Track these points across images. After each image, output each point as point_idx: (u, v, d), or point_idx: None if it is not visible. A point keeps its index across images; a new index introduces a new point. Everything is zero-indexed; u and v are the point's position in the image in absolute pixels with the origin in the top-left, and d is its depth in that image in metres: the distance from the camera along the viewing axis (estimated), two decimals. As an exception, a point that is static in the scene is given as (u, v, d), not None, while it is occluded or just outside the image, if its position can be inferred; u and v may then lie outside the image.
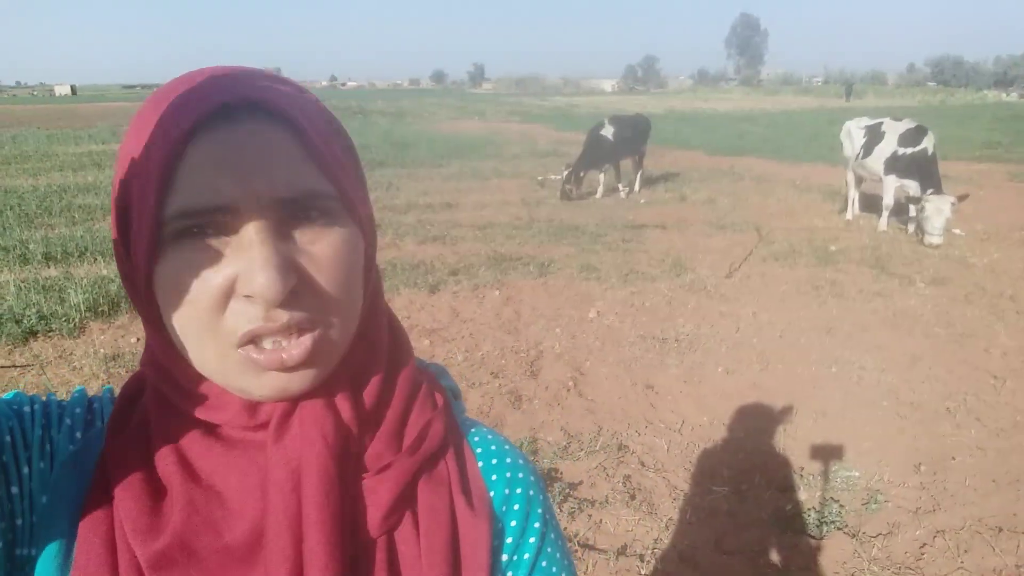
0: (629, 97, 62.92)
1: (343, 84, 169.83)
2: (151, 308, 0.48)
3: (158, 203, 0.44)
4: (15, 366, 4.02)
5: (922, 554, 2.63)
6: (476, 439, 0.61)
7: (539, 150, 16.11)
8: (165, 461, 0.49)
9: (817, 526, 2.75)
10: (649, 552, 2.61)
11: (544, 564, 0.57)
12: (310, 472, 0.47)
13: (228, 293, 0.45)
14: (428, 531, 0.51)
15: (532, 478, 0.60)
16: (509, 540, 0.56)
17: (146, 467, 0.49)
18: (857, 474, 3.13)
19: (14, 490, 0.47)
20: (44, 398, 0.53)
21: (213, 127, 0.44)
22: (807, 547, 2.65)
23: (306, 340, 0.47)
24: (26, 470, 0.48)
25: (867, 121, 8.52)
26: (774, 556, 2.61)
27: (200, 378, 0.49)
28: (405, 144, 17.06)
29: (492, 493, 0.57)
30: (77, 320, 4.59)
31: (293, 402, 0.50)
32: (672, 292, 5.65)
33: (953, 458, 3.26)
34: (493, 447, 0.60)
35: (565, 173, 9.88)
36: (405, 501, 0.52)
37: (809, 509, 2.86)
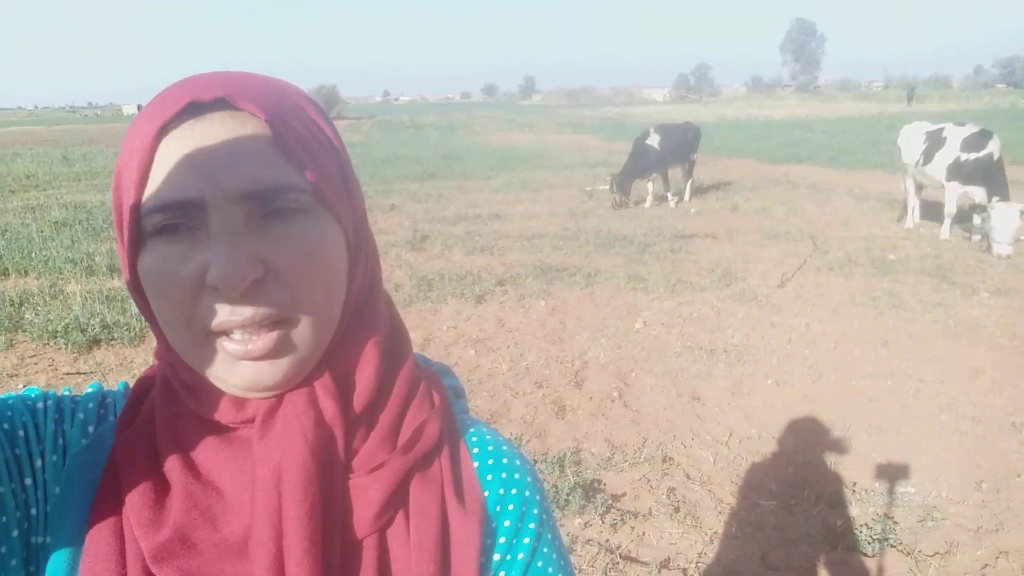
0: (681, 106, 62.30)
1: (396, 99, 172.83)
2: (145, 302, 0.50)
3: (136, 200, 0.47)
4: (79, 373, 4.21)
5: (983, 575, 2.52)
6: (474, 439, 0.61)
7: (589, 160, 16.09)
8: (168, 455, 0.51)
9: (869, 543, 2.66)
10: (692, 566, 2.56)
11: (539, 565, 0.57)
12: (290, 470, 0.48)
13: (199, 285, 0.46)
14: (418, 530, 0.52)
15: (529, 479, 0.60)
16: (502, 540, 0.56)
17: (151, 461, 0.51)
18: (913, 490, 3.02)
19: (28, 481, 0.50)
20: (59, 393, 0.55)
21: (181, 124, 0.47)
22: (858, 565, 2.57)
23: (273, 333, 0.47)
24: (39, 463, 0.51)
25: (927, 126, 8.24)
26: (823, 573, 2.53)
27: (195, 372, 0.51)
28: (455, 156, 17.27)
29: (487, 493, 0.57)
30: (138, 329, 4.79)
31: (279, 398, 0.51)
32: (721, 302, 5.55)
33: (1018, 475, 3.11)
34: (490, 447, 0.60)
35: (610, 182, 9.85)
36: (398, 500, 0.53)
37: (861, 526, 2.77)
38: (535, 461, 3.24)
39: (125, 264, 0.50)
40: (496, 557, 0.56)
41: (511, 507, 0.57)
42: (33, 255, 6.79)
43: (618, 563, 2.56)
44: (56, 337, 4.61)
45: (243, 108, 0.47)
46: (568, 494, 2.92)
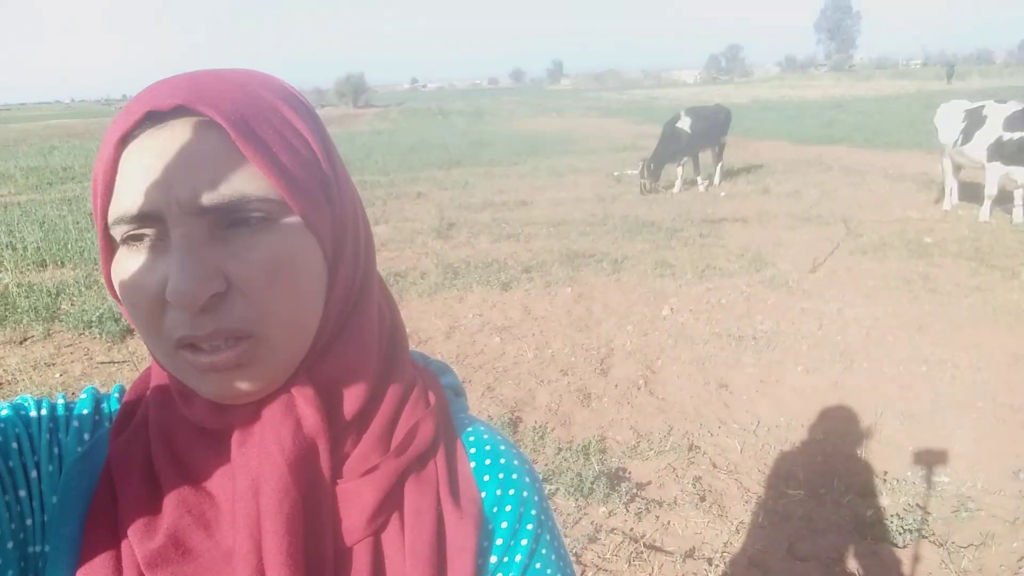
0: (712, 88, 61.28)
1: (424, 86, 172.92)
2: None
3: (103, 211, 0.46)
4: (113, 362, 4.31)
5: (1020, 567, 2.45)
6: (471, 439, 0.60)
7: (617, 145, 15.93)
8: (161, 461, 0.51)
9: (901, 534, 2.60)
10: (718, 556, 2.54)
11: (538, 566, 0.55)
12: (267, 482, 0.47)
13: (162, 296, 0.45)
14: (413, 533, 0.51)
15: (527, 479, 0.58)
16: (499, 542, 0.55)
17: (145, 467, 0.51)
18: (947, 480, 2.95)
19: (22, 493, 0.49)
20: (54, 400, 0.55)
21: (141, 134, 0.46)
22: (889, 555, 2.52)
23: (238, 347, 0.46)
24: (34, 474, 0.50)
25: (966, 104, 7.98)
26: (851, 564, 2.49)
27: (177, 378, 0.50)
28: (482, 143, 17.23)
29: (484, 494, 0.56)
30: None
31: (256, 408, 0.50)
32: (751, 288, 5.47)
33: (1058, 465, 3.02)
34: (488, 447, 0.59)
35: (641, 168, 9.73)
36: (391, 503, 0.52)
37: (892, 516, 2.71)
38: (559, 450, 3.23)
39: (104, 272, 0.50)
40: (493, 559, 0.55)
41: (508, 508, 0.56)
42: (70, 246, 6.95)
43: (642, 552, 2.55)
44: (92, 327, 4.72)
45: (204, 114, 0.46)
46: (592, 482, 2.91)
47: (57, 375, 4.15)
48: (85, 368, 4.21)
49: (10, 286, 5.68)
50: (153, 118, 0.46)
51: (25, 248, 6.91)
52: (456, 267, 6.18)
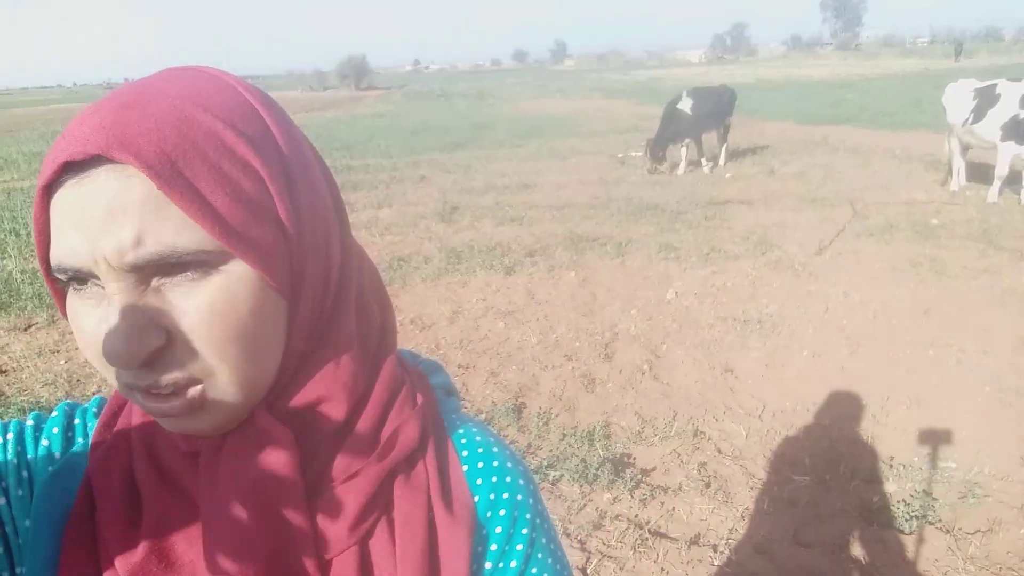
0: (717, 67, 60.76)
1: (426, 68, 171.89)
2: None
3: (44, 256, 0.45)
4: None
5: (1026, 553, 2.44)
6: (463, 440, 0.57)
7: (620, 126, 15.82)
8: (143, 471, 0.49)
9: (907, 520, 2.59)
10: (723, 542, 2.53)
11: (534, 572, 0.54)
12: (240, 512, 0.46)
13: None
14: (403, 540, 0.49)
15: (521, 481, 0.56)
16: (494, 547, 0.54)
17: (126, 478, 0.49)
18: (954, 465, 2.93)
19: None
20: (25, 421, 0.54)
21: (63, 185, 0.42)
22: (895, 542, 2.51)
23: (188, 394, 0.44)
24: (3, 500, 0.49)
25: (975, 83, 7.87)
26: (857, 550, 2.48)
27: None
28: (484, 125, 17.13)
29: (476, 498, 0.54)
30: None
31: (222, 436, 0.48)
32: (756, 271, 5.43)
33: (1066, 450, 3.00)
34: (480, 448, 0.57)
35: (644, 148, 9.66)
36: (378, 509, 0.50)
37: (898, 502, 2.70)
38: (563, 435, 3.22)
39: (60, 309, 0.48)
40: (488, 565, 0.53)
41: (503, 512, 0.54)
42: (72, 232, 6.94)
43: (647, 539, 2.54)
44: (95, 313, 4.71)
45: (122, 162, 0.41)
46: (597, 468, 2.90)
47: (62, 362, 4.15)
48: (89, 355, 4.21)
49: (14, 273, 5.68)
50: (72, 168, 0.42)
51: (28, 234, 6.91)
52: (459, 251, 6.16)
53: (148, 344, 0.42)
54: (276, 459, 0.47)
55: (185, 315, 0.43)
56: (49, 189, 0.43)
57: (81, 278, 0.44)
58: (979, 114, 7.47)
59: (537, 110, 22.28)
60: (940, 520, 2.60)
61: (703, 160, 10.02)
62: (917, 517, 2.59)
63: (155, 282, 0.43)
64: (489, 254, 6.05)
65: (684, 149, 9.91)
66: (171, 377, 0.43)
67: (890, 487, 2.80)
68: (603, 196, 8.37)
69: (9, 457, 0.51)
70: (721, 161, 10.27)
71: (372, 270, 0.57)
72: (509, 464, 0.57)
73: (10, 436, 0.52)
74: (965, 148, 7.93)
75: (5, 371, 4.08)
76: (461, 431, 0.58)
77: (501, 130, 15.92)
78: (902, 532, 2.55)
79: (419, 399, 0.55)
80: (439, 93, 36.66)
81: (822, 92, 23.48)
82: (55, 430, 0.54)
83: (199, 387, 0.44)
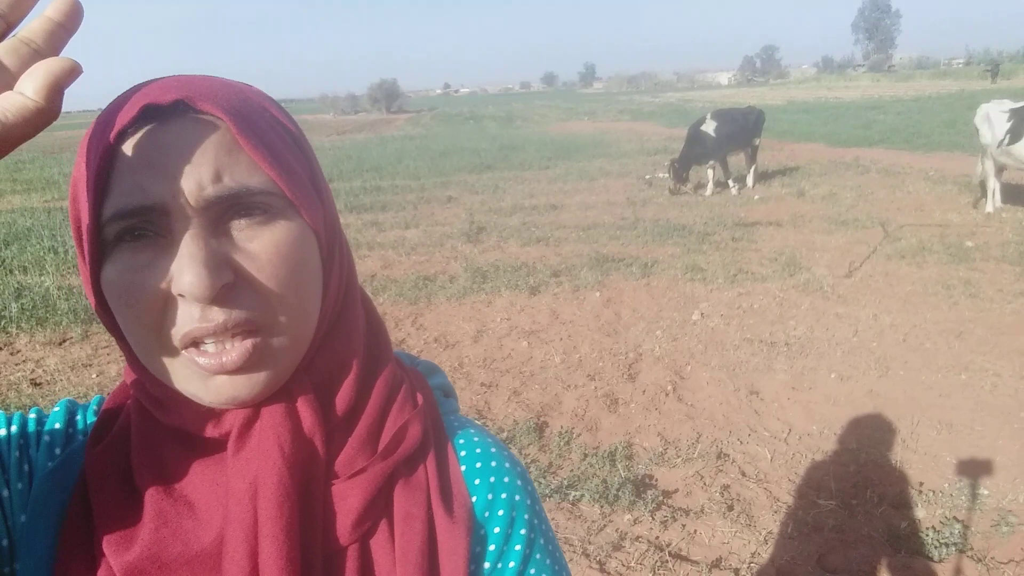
0: (746, 89, 60.52)
1: (456, 91, 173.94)
2: (109, 316, 0.49)
3: (95, 209, 0.45)
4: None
5: (1063, 585, 2.36)
6: (461, 441, 0.58)
7: (648, 148, 15.81)
8: (140, 470, 0.50)
9: (936, 547, 2.52)
10: (745, 566, 2.49)
11: (532, 572, 0.54)
12: (266, 485, 0.46)
13: (166, 294, 0.45)
14: (403, 539, 0.50)
15: (519, 482, 0.57)
16: (492, 548, 0.54)
17: (123, 477, 0.50)
18: (987, 492, 2.85)
19: None
20: (27, 414, 0.54)
21: (138, 130, 0.45)
22: (923, 569, 2.44)
23: (247, 343, 0.46)
24: (5, 492, 0.50)
25: (1010, 104, 7.74)
26: (884, 578, 2.42)
27: (166, 386, 0.49)
28: (513, 147, 17.24)
29: (475, 498, 0.55)
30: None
31: (255, 410, 0.49)
32: (784, 293, 5.37)
33: (1105, 479, 2.90)
34: (478, 449, 0.58)
35: (668, 169, 9.65)
36: (379, 507, 0.51)
37: (928, 528, 2.63)
38: (585, 455, 3.20)
39: (87, 280, 0.48)
40: (486, 566, 0.54)
41: (500, 512, 0.55)
42: (109, 250, 7.11)
43: (667, 561, 2.51)
44: (128, 329, 4.81)
45: (203, 109, 0.45)
46: (618, 489, 2.88)
47: (94, 375, 4.25)
48: (120, 369, 4.28)
49: (51, 289, 5.83)
50: (150, 114, 0.45)
51: (67, 252, 7.10)
52: (485, 271, 6.19)
53: (222, 276, 0.44)
54: (310, 430, 0.49)
55: (252, 256, 0.46)
56: (121, 136, 0.45)
57: (139, 228, 0.45)
58: (1016, 135, 7.33)
59: (566, 132, 22.39)
60: (971, 549, 2.53)
61: (730, 181, 9.96)
62: (947, 545, 2.52)
63: (223, 225, 0.46)
64: (514, 274, 6.07)
65: (711, 171, 9.87)
66: (236, 315, 0.45)
67: (919, 513, 2.73)
68: (630, 217, 8.36)
69: (12, 451, 0.51)
70: (749, 183, 10.20)
71: (363, 289, 0.60)
72: (507, 465, 0.57)
73: (13, 428, 0.52)
74: (1000, 169, 7.78)
75: (40, 384, 4.19)
76: (460, 432, 0.59)
77: (529, 152, 16.02)
78: (931, 560, 2.49)
79: (419, 399, 0.56)
80: (468, 115, 37.04)
81: (853, 113, 23.24)
82: (57, 426, 0.54)
83: (255, 339, 0.46)
